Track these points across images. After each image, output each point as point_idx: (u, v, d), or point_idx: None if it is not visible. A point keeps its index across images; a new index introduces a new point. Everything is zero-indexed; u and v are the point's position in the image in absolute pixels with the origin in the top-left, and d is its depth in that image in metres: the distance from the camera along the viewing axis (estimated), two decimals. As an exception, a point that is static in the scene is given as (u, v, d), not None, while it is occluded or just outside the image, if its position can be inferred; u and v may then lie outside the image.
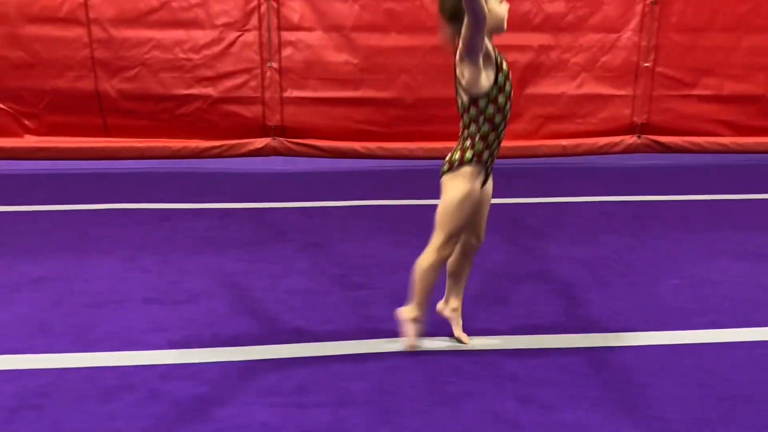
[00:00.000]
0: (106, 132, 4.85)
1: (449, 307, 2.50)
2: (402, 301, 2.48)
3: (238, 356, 2.36)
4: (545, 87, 5.06)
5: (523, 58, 4.95)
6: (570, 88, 5.05)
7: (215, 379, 2.21)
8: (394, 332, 2.45)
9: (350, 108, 4.91)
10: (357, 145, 4.96)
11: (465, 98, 2.18)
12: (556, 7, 4.86)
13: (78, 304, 2.75)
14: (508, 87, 2.20)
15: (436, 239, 2.26)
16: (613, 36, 4.94)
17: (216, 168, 4.91)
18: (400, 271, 3.08)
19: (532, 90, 5.03)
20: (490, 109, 2.16)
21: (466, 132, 2.22)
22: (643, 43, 4.95)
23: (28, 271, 3.07)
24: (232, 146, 4.86)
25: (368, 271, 3.12)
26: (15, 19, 4.49)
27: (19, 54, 4.57)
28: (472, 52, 2.05)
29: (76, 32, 4.55)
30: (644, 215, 4.00)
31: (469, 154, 2.20)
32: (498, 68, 2.16)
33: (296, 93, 4.83)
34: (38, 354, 2.37)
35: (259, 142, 4.88)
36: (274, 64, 4.74)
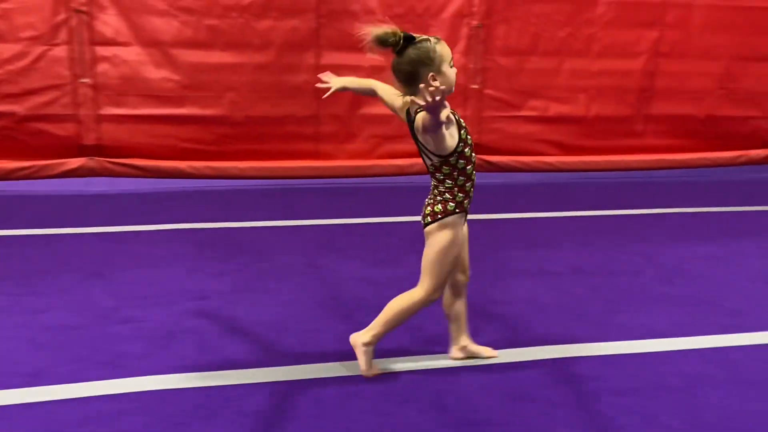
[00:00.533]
0: None
1: (460, 345, 2.51)
2: (162, 339, 2.33)
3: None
4: (380, 107, 5.06)
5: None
6: (402, 108, 5.09)
7: None
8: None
9: (174, 126, 4.72)
10: (183, 165, 4.76)
11: (435, 159, 2.23)
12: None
13: None
14: (469, 138, 2.26)
15: (428, 285, 2.31)
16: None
17: (24, 191, 4.56)
18: (181, 301, 2.94)
19: (366, 110, 5.03)
20: (461, 162, 2.22)
21: (441, 187, 2.27)
22: (471, 66, 5.08)
23: None
24: (43, 167, 4.53)
25: (144, 302, 2.93)
26: None
27: None
28: (435, 131, 2.12)
29: None
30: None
31: (451, 206, 2.26)
32: (458, 124, 2.21)
33: (114, 110, 4.58)
34: None
35: (74, 163, 4.58)
36: (88, 80, 4.48)
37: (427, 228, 2.30)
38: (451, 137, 2.18)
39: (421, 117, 2.11)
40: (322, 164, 5.02)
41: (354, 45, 4.88)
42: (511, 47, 5.13)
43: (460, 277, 2.46)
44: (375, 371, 2.39)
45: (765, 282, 3.42)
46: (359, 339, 2.39)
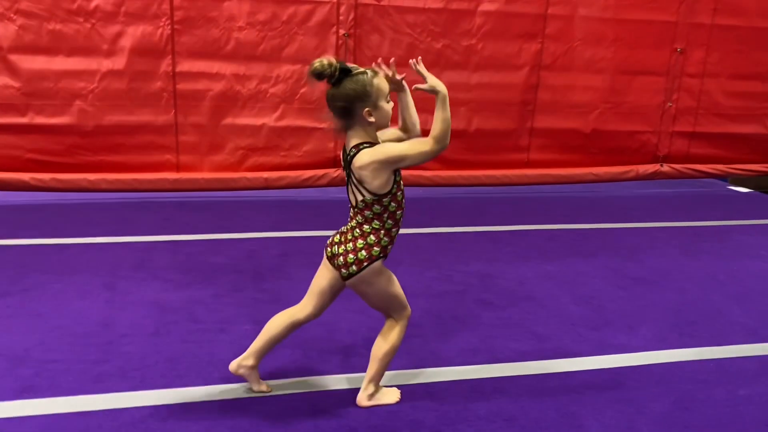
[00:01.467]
0: None
1: (249, 364, 2.32)
2: None
3: None
4: (246, 117, 4.86)
5: (217, 86, 4.73)
6: (271, 119, 4.89)
7: None
8: None
9: (16, 136, 4.45)
10: (26, 176, 4.48)
11: (367, 197, 2.13)
12: (248, 36, 4.69)
13: None
14: (402, 183, 2.19)
15: (399, 321, 2.28)
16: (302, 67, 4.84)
17: None
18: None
19: (231, 120, 4.82)
20: (393, 205, 2.15)
21: (366, 227, 2.17)
22: (341, 76, 4.89)
23: None
24: None
25: None
26: None
27: None
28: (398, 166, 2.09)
29: None
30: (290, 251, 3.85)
31: (376, 250, 2.16)
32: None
33: (-54, 119, 4.31)
34: None
35: None
36: None
37: (351, 281, 2.19)
38: (391, 178, 2.11)
39: (367, 153, 2.07)
40: (182, 176, 4.79)
41: (217, 53, 4.72)
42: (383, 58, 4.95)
43: (309, 315, 2.30)
44: None
45: (577, 303, 3.26)
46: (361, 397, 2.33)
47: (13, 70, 4.34)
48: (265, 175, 4.93)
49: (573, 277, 3.65)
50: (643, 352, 2.82)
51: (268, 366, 2.50)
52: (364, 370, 2.35)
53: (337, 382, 2.47)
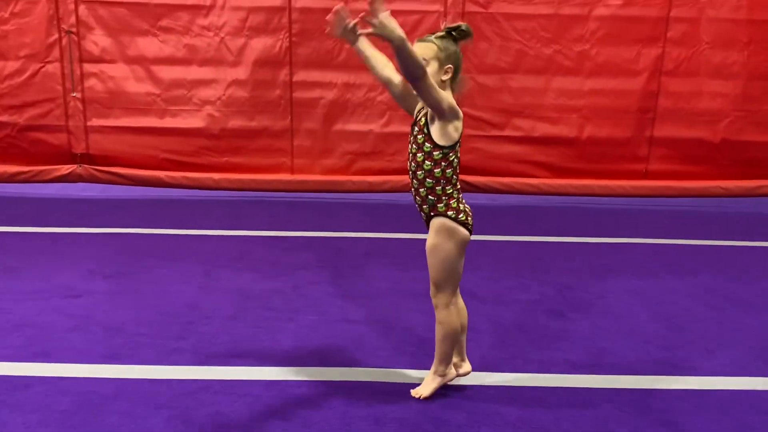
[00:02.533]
0: None
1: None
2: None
3: None
4: (356, 123, 5.11)
5: (329, 94, 5.02)
6: (377, 126, 5.09)
7: None
8: None
9: (155, 137, 5.03)
10: (162, 174, 5.06)
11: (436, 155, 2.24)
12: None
13: None
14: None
15: (449, 305, 2.38)
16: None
17: (25, 193, 5.06)
18: (55, 298, 3.15)
19: (340, 127, 5.10)
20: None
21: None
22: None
23: None
24: (39, 172, 5.01)
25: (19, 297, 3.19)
26: None
27: None
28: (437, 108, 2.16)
29: None
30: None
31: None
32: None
33: (101, 122, 4.98)
34: None
35: (65, 169, 5.02)
36: (78, 94, 4.91)
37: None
38: (455, 129, 2.22)
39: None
40: (295, 178, 5.13)
41: (329, 63, 5.00)
42: (490, 65, 4.97)
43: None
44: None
45: (656, 320, 3.07)
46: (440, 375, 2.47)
47: (154, 79, 4.93)
48: (370, 179, 5.14)
49: (661, 294, 3.45)
50: (712, 376, 2.62)
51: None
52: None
53: (369, 374, 2.58)
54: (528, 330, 3.02)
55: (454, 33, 2.25)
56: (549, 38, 4.95)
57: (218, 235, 4.26)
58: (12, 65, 4.83)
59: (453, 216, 2.29)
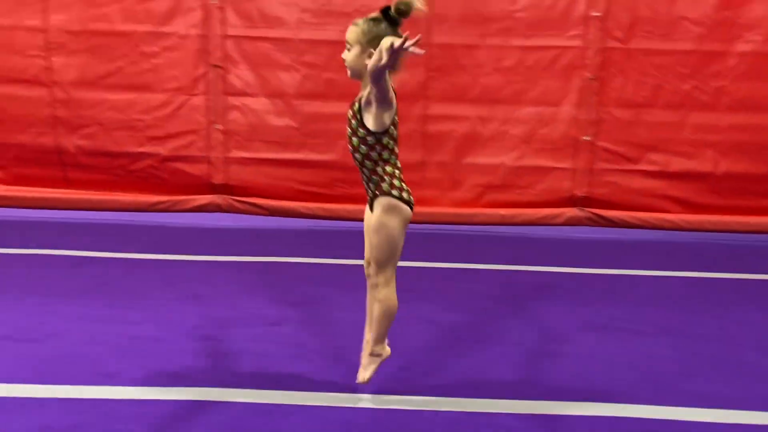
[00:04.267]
0: (67, 184, 5.21)
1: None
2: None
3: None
4: (487, 156, 5.13)
5: (461, 127, 5.07)
6: (509, 158, 5.11)
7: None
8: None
9: (292, 169, 5.12)
10: (298, 205, 5.13)
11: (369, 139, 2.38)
12: (494, 81, 4.98)
13: None
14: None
15: (390, 280, 2.49)
16: (552, 109, 5.00)
17: (163, 222, 5.16)
18: (255, 325, 3.19)
19: (471, 159, 5.12)
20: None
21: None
22: (582, 117, 4.99)
23: None
24: (178, 201, 5.12)
25: (223, 323, 3.22)
26: (-12, 79, 4.96)
27: (-10, 110, 5.02)
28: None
29: (40, 92, 4.97)
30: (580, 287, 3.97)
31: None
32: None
33: (240, 153, 5.08)
34: None
35: (204, 199, 5.12)
36: (220, 126, 5.03)
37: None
38: (388, 117, 2.32)
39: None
40: (426, 210, 5.15)
41: (462, 96, 5.06)
42: (627, 99, 4.97)
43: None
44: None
45: None
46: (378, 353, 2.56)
47: (294, 113, 5.03)
48: (502, 211, 5.13)
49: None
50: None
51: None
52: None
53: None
54: (604, 359, 2.94)
55: (389, 14, 2.28)
56: (686, 74, 4.94)
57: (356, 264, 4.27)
58: (159, 98, 4.98)
59: (397, 195, 2.39)
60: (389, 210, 2.38)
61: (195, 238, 4.85)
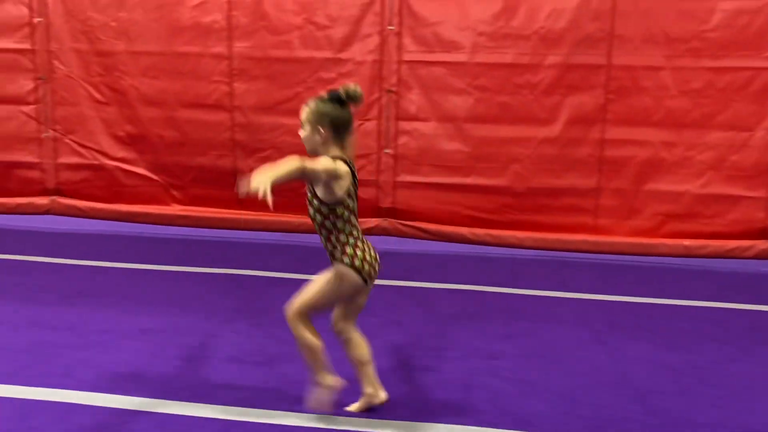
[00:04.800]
0: (240, 205, 5.38)
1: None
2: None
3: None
4: (668, 183, 4.85)
5: (642, 152, 4.82)
6: (694, 186, 4.80)
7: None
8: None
9: (460, 194, 5.04)
10: (465, 231, 5.04)
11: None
12: (680, 104, 4.71)
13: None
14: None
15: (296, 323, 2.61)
16: (744, 134, 4.67)
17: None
18: (471, 357, 3.10)
19: (652, 186, 4.85)
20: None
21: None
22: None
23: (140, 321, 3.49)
24: (346, 224, 5.16)
25: (438, 354, 3.14)
26: (173, 104, 5.21)
27: (173, 134, 5.26)
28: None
29: (221, 117, 5.17)
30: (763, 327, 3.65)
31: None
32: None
33: (409, 178, 5.07)
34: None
35: (371, 222, 5.14)
36: (390, 151, 5.04)
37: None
38: (340, 188, 2.47)
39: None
40: (601, 239, 4.92)
41: (645, 120, 4.83)
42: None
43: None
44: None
45: None
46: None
47: (464, 137, 4.96)
48: (686, 242, 4.82)
49: None
50: None
51: None
52: None
53: None
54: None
55: (339, 98, 2.53)
56: None
57: (554, 297, 4.11)
58: (333, 122, 5.05)
59: (348, 262, 2.51)
60: (338, 276, 2.53)
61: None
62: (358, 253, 2.49)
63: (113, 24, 5.12)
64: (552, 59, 4.76)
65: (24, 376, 2.87)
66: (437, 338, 3.36)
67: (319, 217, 2.53)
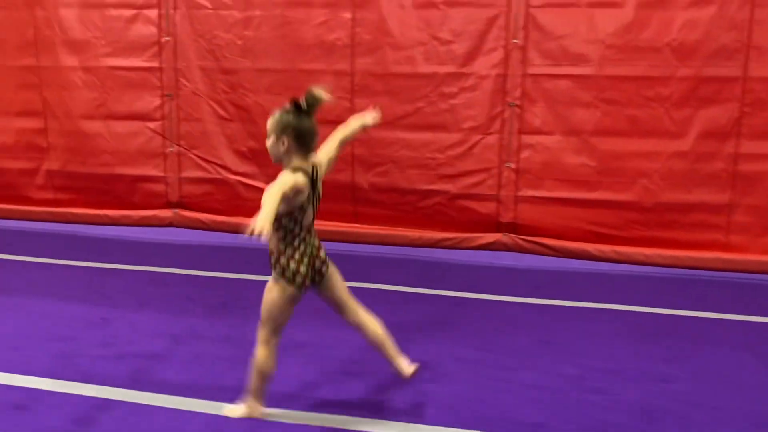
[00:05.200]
0: (356, 218, 5.42)
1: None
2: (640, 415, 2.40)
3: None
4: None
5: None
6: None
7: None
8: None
9: (584, 209, 4.94)
10: (589, 247, 4.93)
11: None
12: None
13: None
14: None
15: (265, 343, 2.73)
16: None
17: (446, 258, 5.19)
18: (641, 380, 3.00)
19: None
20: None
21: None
22: None
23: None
24: (465, 239, 5.14)
25: (607, 376, 3.06)
26: (295, 120, 5.31)
27: (294, 149, 5.36)
28: None
29: (342, 132, 5.24)
30: None
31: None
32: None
33: (531, 192, 5.00)
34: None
35: (491, 237, 5.09)
36: (512, 165, 4.99)
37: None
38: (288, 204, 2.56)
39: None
40: (736, 257, 4.74)
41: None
42: None
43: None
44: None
45: None
46: None
47: (590, 151, 4.87)
48: (828, 261, 4.59)
49: None
50: None
51: None
52: None
53: None
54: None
55: (299, 107, 2.64)
56: None
57: (697, 317, 3.96)
58: (454, 137, 5.05)
59: (280, 272, 2.63)
60: (275, 282, 2.66)
61: (502, 277, 4.80)
62: (291, 265, 2.61)
63: (239, 42, 5.28)
64: (684, 71, 4.64)
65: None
66: (603, 359, 3.27)
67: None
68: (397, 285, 4.54)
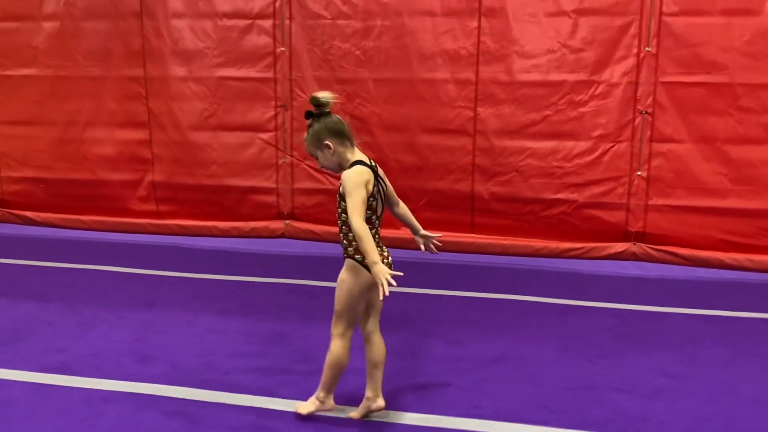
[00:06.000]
0: (473, 229, 5.36)
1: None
2: None
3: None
4: None
5: None
6: None
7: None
8: None
9: (716, 217, 4.90)
10: (722, 255, 4.88)
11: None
12: None
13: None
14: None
15: (339, 337, 2.77)
16: None
17: (573, 268, 5.12)
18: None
19: None
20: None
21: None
22: None
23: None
24: (592, 249, 5.08)
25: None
26: (414, 129, 5.26)
27: (411, 158, 5.31)
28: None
29: (463, 141, 5.19)
30: None
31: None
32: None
33: (661, 201, 4.96)
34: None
35: (619, 247, 5.04)
36: (643, 173, 4.94)
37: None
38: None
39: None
40: None
41: None
42: None
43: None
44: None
45: None
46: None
47: (723, 159, 4.83)
48: None
49: None
50: None
51: None
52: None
53: None
54: None
55: (312, 113, 2.66)
56: None
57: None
58: (583, 145, 5.01)
59: (359, 259, 2.65)
60: (351, 270, 2.68)
61: (636, 287, 4.74)
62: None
63: (357, 52, 5.23)
64: (824, 78, 4.62)
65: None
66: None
67: (344, 216, 2.63)
68: (546, 297, 4.45)
